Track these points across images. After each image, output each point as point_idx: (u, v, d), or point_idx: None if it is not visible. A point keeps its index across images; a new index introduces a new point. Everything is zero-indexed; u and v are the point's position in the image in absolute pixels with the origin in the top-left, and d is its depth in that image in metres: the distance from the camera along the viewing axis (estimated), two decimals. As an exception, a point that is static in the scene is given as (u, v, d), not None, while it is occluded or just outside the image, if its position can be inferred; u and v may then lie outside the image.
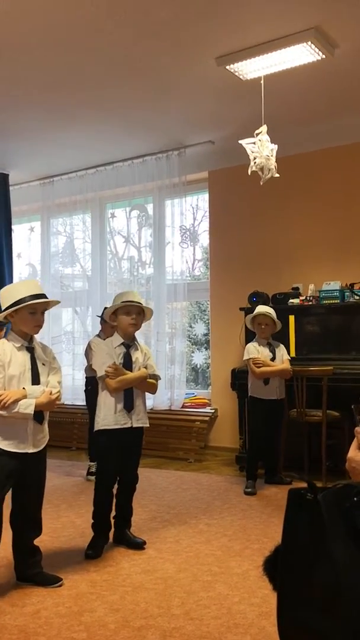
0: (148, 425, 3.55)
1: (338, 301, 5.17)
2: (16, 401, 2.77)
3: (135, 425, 3.44)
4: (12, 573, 3.06)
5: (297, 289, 5.51)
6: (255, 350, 4.71)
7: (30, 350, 2.92)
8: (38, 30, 3.79)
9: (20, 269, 7.58)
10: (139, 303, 3.50)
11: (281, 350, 4.82)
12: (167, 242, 6.50)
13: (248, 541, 3.56)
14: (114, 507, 3.55)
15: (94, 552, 3.37)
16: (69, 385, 6.60)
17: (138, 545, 3.48)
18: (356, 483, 1.03)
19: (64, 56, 4.15)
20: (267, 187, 4.70)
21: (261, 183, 4.26)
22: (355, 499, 0.98)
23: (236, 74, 4.33)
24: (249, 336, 5.16)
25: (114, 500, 3.55)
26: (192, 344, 7.04)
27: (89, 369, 4.75)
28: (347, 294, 5.16)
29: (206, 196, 6.47)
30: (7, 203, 6.97)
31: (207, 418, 6.12)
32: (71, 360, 6.99)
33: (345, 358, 4.96)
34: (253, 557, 3.29)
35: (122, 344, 3.49)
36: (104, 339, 4.21)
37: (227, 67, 4.22)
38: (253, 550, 3.40)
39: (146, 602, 2.78)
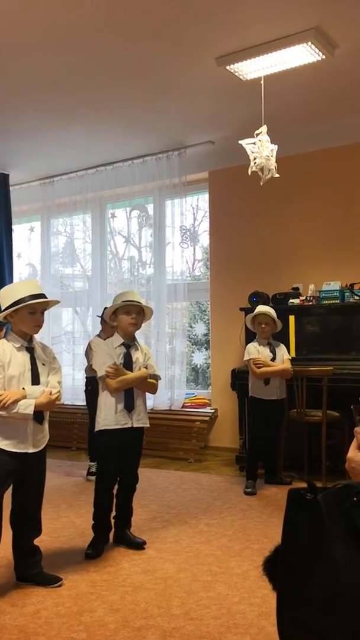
0: (148, 425, 3.55)
1: (338, 301, 5.17)
2: (16, 401, 2.76)
3: (135, 425, 3.44)
4: (12, 573, 3.06)
5: (297, 289, 5.51)
6: (256, 351, 4.71)
7: (30, 350, 2.92)
8: (38, 30, 3.80)
9: (20, 269, 7.58)
10: (139, 302, 3.50)
11: (282, 350, 4.82)
12: (167, 242, 6.50)
13: (248, 541, 3.56)
14: (114, 508, 3.55)
15: (94, 551, 3.37)
16: (69, 385, 6.60)
17: (138, 545, 3.48)
18: (356, 483, 1.03)
19: (64, 56, 4.15)
20: (267, 187, 4.70)
21: (261, 183, 4.26)
22: (355, 499, 0.98)
23: (236, 74, 4.34)
24: (249, 336, 5.16)
25: (114, 501, 3.55)
26: (192, 344, 7.04)
27: (89, 369, 4.75)
28: (347, 294, 5.16)
29: (206, 196, 6.47)
30: (7, 203, 6.97)
31: (207, 418, 6.12)
32: (71, 361, 6.99)
33: (345, 358, 4.96)
34: (253, 557, 3.29)
35: (123, 344, 3.49)
36: (104, 339, 4.22)
37: (227, 67, 4.22)
38: (253, 551, 3.40)
39: (146, 602, 2.78)
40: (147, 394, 3.63)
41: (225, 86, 4.59)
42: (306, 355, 5.16)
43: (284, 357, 4.79)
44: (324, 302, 5.21)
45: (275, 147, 4.16)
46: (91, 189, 6.86)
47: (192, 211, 6.91)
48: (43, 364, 2.96)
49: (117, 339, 3.51)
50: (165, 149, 6.18)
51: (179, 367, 6.36)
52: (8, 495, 2.94)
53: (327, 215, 5.63)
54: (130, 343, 3.52)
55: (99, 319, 5.26)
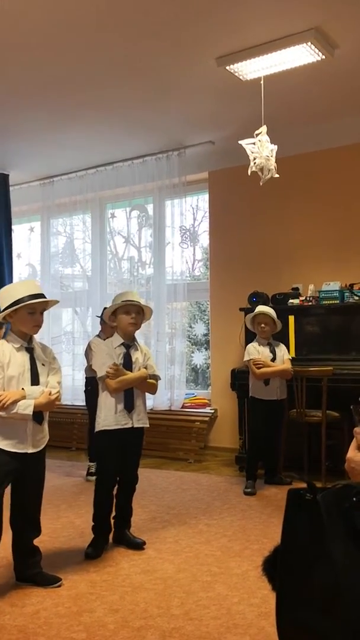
0: (148, 425, 3.55)
1: (338, 302, 5.17)
2: (15, 402, 2.76)
3: (136, 425, 3.44)
4: (12, 573, 3.05)
5: (297, 289, 5.51)
6: (256, 351, 4.70)
7: (30, 350, 2.92)
8: (38, 30, 3.80)
9: (20, 269, 7.58)
10: (138, 302, 3.50)
11: (282, 350, 4.82)
12: (167, 243, 6.50)
13: (248, 541, 3.56)
14: (113, 508, 3.55)
15: (94, 551, 3.37)
16: (68, 385, 6.60)
17: (138, 545, 3.48)
18: (355, 483, 1.03)
19: (64, 56, 4.15)
20: (267, 187, 4.70)
21: (261, 183, 4.26)
22: (354, 499, 0.98)
23: (236, 74, 4.34)
24: (249, 336, 5.16)
25: (114, 501, 3.54)
26: (192, 344, 7.04)
27: (89, 369, 4.75)
28: (347, 294, 5.16)
29: (206, 196, 6.47)
30: (7, 203, 6.97)
31: (207, 418, 6.12)
32: (71, 361, 6.98)
33: (345, 358, 4.96)
34: (253, 557, 3.29)
35: (122, 344, 3.49)
36: (104, 340, 4.21)
37: (227, 67, 4.22)
38: (253, 551, 3.40)
39: (146, 603, 2.78)
40: (147, 394, 3.63)
41: (225, 86, 4.59)
42: (306, 356, 5.16)
43: (284, 357, 4.78)
44: (324, 302, 5.21)
45: (275, 147, 4.16)
46: (91, 189, 6.86)
47: (192, 211, 6.91)
48: (43, 364, 2.95)
49: (117, 339, 3.51)
50: (165, 149, 6.18)
51: (178, 367, 6.36)
52: (8, 496, 2.94)
53: (326, 216, 5.63)
54: (130, 343, 3.52)
55: (99, 319, 5.26)
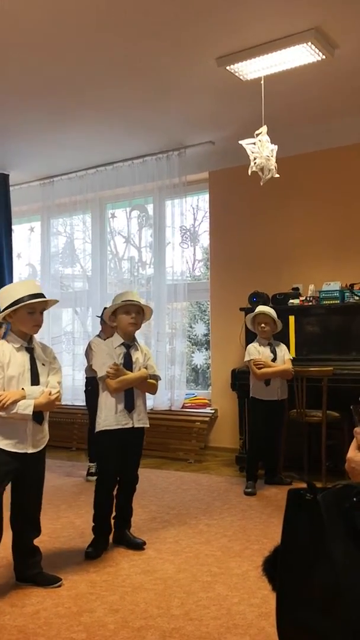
0: (148, 425, 3.55)
1: (338, 302, 5.17)
2: (15, 402, 2.76)
3: (136, 425, 3.44)
4: (12, 573, 3.05)
5: (297, 289, 5.51)
6: (256, 351, 4.70)
7: (30, 350, 2.92)
8: (38, 30, 3.79)
9: (20, 269, 7.58)
10: (138, 302, 3.50)
11: (282, 351, 4.81)
12: (167, 243, 6.50)
13: (248, 542, 3.56)
14: (114, 508, 3.54)
15: (94, 551, 3.36)
16: (69, 385, 6.60)
17: (138, 545, 3.48)
18: (356, 483, 1.03)
19: (64, 56, 4.15)
20: (267, 187, 4.70)
21: (261, 183, 4.26)
22: (354, 499, 0.97)
23: (236, 74, 4.33)
24: (249, 336, 5.16)
25: (114, 502, 3.54)
26: (192, 345, 7.04)
27: (89, 369, 4.75)
28: (347, 294, 5.16)
29: (206, 196, 6.47)
30: (7, 203, 6.97)
31: (207, 418, 6.12)
32: (71, 361, 6.98)
33: (345, 359, 4.95)
34: (253, 557, 3.29)
35: (122, 344, 3.49)
36: (104, 340, 4.22)
37: (228, 67, 4.22)
38: (253, 551, 3.40)
39: (146, 603, 2.78)
40: (147, 394, 3.63)
41: (225, 86, 4.59)
42: (306, 356, 5.16)
43: (284, 357, 4.78)
44: (324, 302, 5.21)
45: (275, 147, 4.16)
46: (91, 189, 6.86)
47: (192, 211, 6.91)
48: (43, 364, 2.95)
49: (117, 339, 3.51)
50: (165, 149, 6.18)
51: (179, 367, 6.36)
52: (8, 497, 2.94)
53: (327, 216, 5.63)
54: (130, 343, 3.51)
55: (99, 319, 5.26)
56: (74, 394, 6.68)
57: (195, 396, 6.55)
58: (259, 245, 5.97)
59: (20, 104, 4.96)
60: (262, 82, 4.37)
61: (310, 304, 5.29)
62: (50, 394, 2.88)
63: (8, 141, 5.87)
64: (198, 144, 5.98)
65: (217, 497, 4.55)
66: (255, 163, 4.09)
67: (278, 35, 3.88)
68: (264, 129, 4.11)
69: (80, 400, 6.13)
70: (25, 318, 2.88)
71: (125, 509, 3.58)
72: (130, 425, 3.41)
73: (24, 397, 2.80)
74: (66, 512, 4.21)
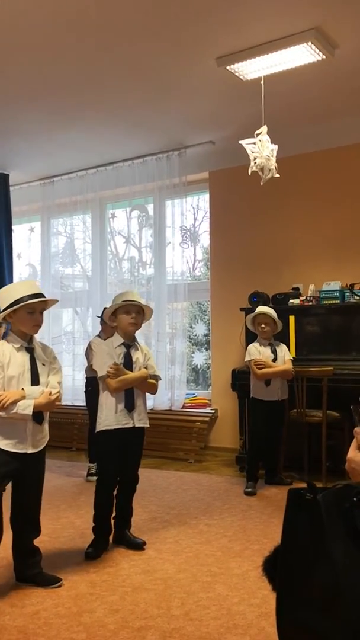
0: (149, 425, 3.55)
1: (338, 301, 5.17)
2: (15, 402, 2.76)
3: (137, 425, 3.44)
4: (12, 573, 3.05)
5: (297, 289, 5.51)
6: (257, 352, 4.70)
7: (30, 350, 2.92)
8: (38, 30, 3.79)
9: (20, 269, 7.57)
10: (138, 302, 3.50)
11: (283, 351, 4.81)
12: (167, 243, 6.50)
13: (248, 542, 3.56)
14: (114, 508, 3.54)
15: (94, 551, 3.36)
16: (69, 385, 6.59)
17: (138, 545, 3.47)
18: (356, 483, 1.03)
19: (64, 56, 4.15)
20: (268, 187, 4.70)
21: (261, 183, 4.25)
22: (354, 499, 0.97)
23: (236, 74, 4.33)
24: (250, 336, 5.16)
25: (114, 502, 3.54)
26: (192, 345, 7.04)
27: (90, 369, 4.75)
28: (347, 294, 5.16)
29: (207, 196, 6.47)
30: (7, 203, 6.97)
31: (207, 418, 6.12)
32: (71, 361, 6.98)
33: (346, 359, 4.95)
34: (253, 557, 3.29)
35: (123, 344, 3.49)
36: (105, 340, 4.22)
37: (228, 67, 4.22)
38: (253, 551, 3.39)
39: (146, 603, 2.77)
40: (147, 394, 3.63)
41: (225, 86, 4.59)
42: (306, 356, 5.16)
43: (285, 357, 4.77)
44: (324, 302, 5.21)
45: (275, 147, 4.16)
46: (91, 189, 6.86)
47: (192, 211, 6.91)
48: (43, 364, 2.95)
49: (117, 339, 3.51)
50: (166, 149, 6.18)
51: (179, 367, 6.36)
52: (8, 497, 2.94)
53: (327, 216, 5.63)
54: (130, 343, 3.51)
55: (99, 319, 5.26)
56: (74, 394, 6.68)
57: (196, 396, 6.55)
58: (259, 245, 5.97)
59: (21, 104, 4.96)
60: (262, 82, 4.37)
61: (310, 304, 5.29)
62: (50, 394, 2.88)
63: (8, 141, 5.87)
64: (198, 144, 5.98)
65: (217, 497, 4.54)
66: (255, 163, 4.09)
67: (278, 35, 3.88)
68: (264, 129, 4.11)
69: (80, 401, 6.13)
70: (25, 318, 2.88)
71: (126, 509, 3.58)
72: (130, 425, 3.41)
73: (23, 397, 2.79)
74: (66, 512, 4.21)
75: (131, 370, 3.45)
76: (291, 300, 5.37)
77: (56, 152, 6.24)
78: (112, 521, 3.54)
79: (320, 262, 5.62)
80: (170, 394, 6.34)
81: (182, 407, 6.33)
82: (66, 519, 4.07)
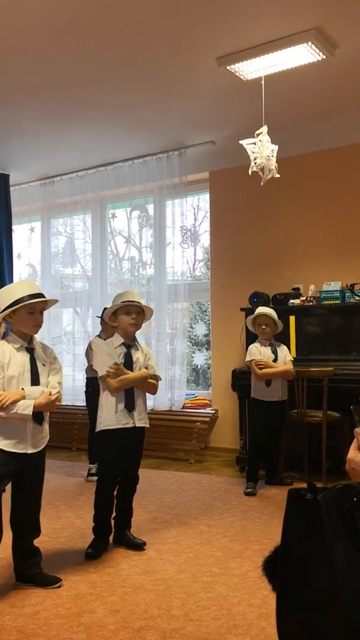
0: (149, 425, 3.55)
1: (338, 302, 5.17)
2: (15, 402, 2.76)
3: (137, 425, 3.44)
4: (12, 574, 3.05)
5: (297, 289, 5.51)
6: (257, 352, 4.69)
7: (30, 350, 2.92)
8: (39, 30, 3.79)
9: (20, 269, 7.57)
10: (139, 303, 3.49)
11: (283, 351, 4.80)
12: (167, 243, 6.50)
13: (248, 542, 3.56)
14: (114, 509, 3.54)
15: (94, 551, 3.36)
16: (69, 386, 6.59)
17: (138, 546, 3.47)
18: (356, 484, 1.03)
19: (65, 56, 4.15)
20: (268, 187, 4.70)
21: (262, 183, 4.25)
22: (355, 499, 0.97)
23: (237, 74, 4.33)
24: (250, 337, 5.16)
25: (115, 502, 3.54)
26: (192, 345, 7.04)
27: (90, 369, 4.75)
28: (348, 294, 5.16)
29: (207, 196, 6.47)
30: (7, 203, 6.97)
31: (207, 419, 6.12)
32: (71, 361, 6.98)
33: (346, 359, 4.95)
34: (253, 558, 3.29)
35: (123, 344, 3.49)
36: (105, 340, 4.21)
37: (228, 67, 4.22)
38: (253, 551, 3.39)
39: (146, 603, 2.77)
40: (147, 394, 3.63)
41: (225, 86, 4.59)
42: (306, 356, 5.16)
43: (285, 358, 4.77)
44: (325, 302, 5.21)
45: (275, 147, 4.16)
46: (91, 189, 6.86)
47: (192, 211, 6.91)
48: (43, 365, 2.95)
49: (118, 339, 3.51)
50: (166, 149, 6.18)
51: (179, 367, 6.35)
52: (8, 497, 2.94)
53: (327, 216, 5.63)
54: (130, 343, 3.51)
55: (99, 319, 5.25)
56: (74, 395, 6.68)
57: (196, 396, 6.54)
58: (260, 245, 5.97)
59: (21, 104, 4.96)
60: (263, 82, 4.36)
61: (310, 304, 5.29)
62: (50, 394, 2.87)
63: (8, 141, 5.87)
64: (198, 144, 5.98)
65: (217, 497, 4.54)
66: (255, 163, 4.09)
67: (278, 35, 3.88)
68: (264, 129, 4.11)
69: (80, 401, 6.13)
70: (25, 318, 2.88)
71: (126, 509, 3.58)
72: (130, 425, 3.41)
73: (23, 397, 2.79)
74: (66, 513, 4.21)
75: (131, 370, 3.44)
76: (291, 301, 5.37)
77: (56, 152, 6.24)
78: (112, 521, 3.54)
79: (320, 262, 5.62)
80: (171, 394, 6.34)
81: (183, 408, 6.33)
82: (66, 519, 4.07)
